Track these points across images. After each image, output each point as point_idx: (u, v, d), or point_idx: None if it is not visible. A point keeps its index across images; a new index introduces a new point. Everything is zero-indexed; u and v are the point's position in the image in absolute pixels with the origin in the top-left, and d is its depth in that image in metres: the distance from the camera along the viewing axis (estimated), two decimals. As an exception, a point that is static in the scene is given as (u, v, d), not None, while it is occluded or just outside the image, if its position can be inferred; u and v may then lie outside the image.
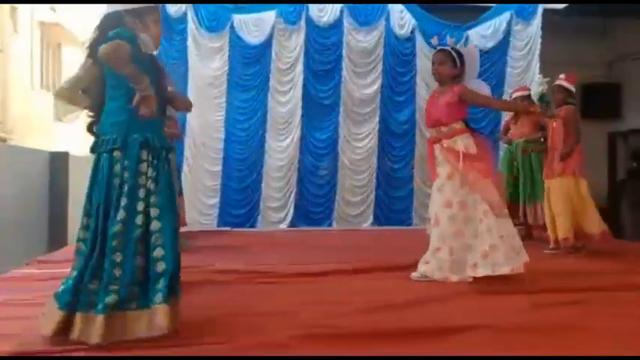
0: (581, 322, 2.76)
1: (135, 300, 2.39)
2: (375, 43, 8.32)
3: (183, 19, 7.94)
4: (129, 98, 2.47)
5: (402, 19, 8.42)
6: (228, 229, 7.66)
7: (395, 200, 8.45)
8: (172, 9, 7.78)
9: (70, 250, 5.49)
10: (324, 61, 8.27)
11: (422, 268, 3.85)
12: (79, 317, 2.34)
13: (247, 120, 8.17)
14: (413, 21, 8.40)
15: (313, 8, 8.20)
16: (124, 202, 2.40)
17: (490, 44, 8.34)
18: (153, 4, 2.58)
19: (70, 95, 3.74)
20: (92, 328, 2.31)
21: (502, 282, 3.67)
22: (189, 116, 7.83)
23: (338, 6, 8.24)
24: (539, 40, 8.37)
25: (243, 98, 8.15)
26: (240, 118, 8.16)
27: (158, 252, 2.42)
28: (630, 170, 9.94)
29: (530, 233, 6.09)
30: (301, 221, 8.18)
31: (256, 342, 2.43)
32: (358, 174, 8.33)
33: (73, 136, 8.16)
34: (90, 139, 2.67)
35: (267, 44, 8.14)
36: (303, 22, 8.17)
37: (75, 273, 2.43)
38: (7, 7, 9.82)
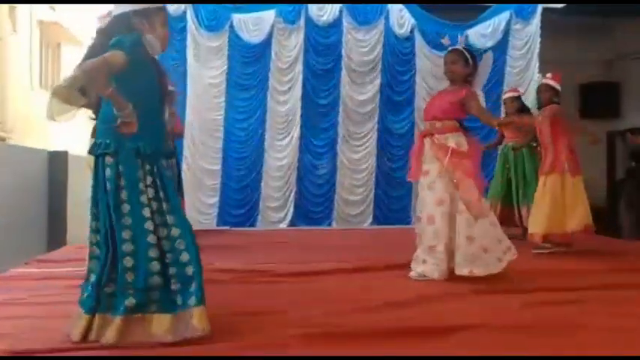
0: (578, 320, 2.77)
1: (156, 303, 2.40)
2: (375, 43, 8.32)
3: (182, 18, 7.93)
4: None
5: (401, 18, 8.41)
6: (227, 228, 7.66)
7: (394, 199, 8.46)
8: (172, 8, 7.77)
9: (70, 249, 5.52)
10: (323, 60, 8.27)
11: (419, 267, 3.85)
12: (97, 318, 2.38)
13: (247, 119, 8.17)
14: (412, 20, 8.40)
15: (312, 8, 8.19)
16: (126, 209, 2.41)
17: (489, 44, 8.34)
18: (159, 5, 2.58)
19: (66, 94, 3.75)
20: (109, 329, 2.35)
21: (502, 281, 3.68)
22: (189, 115, 7.83)
23: (337, 5, 8.24)
24: (539, 40, 8.38)
25: (243, 97, 8.15)
26: (239, 117, 8.15)
27: (184, 256, 2.43)
28: (629, 169, 9.94)
29: (526, 234, 6.09)
30: (301, 221, 8.18)
31: (256, 341, 2.44)
32: (357, 173, 8.34)
33: (73, 136, 8.16)
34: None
35: (267, 43, 8.13)
36: (302, 22, 8.17)
37: (94, 277, 2.45)
38: (5, 6, 9.81)
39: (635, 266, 4.37)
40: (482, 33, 8.45)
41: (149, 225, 2.41)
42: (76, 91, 3.76)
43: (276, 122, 8.17)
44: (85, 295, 2.45)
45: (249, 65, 8.14)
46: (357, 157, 8.34)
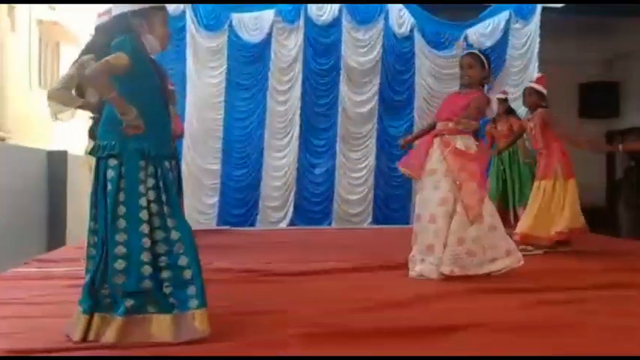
0: (578, 320, 2.77)
1: (154, 305, 2.40)
2: (374, 42, 8.32)
3: (181, 17, 7.93)
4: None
5: (400, 17, 8.41)
6: (227, 228, 7.66)
7: (393, 199, 8.46)
8: (171, 8, 7.77)
9: (69, 249, 5.52)
10: (322, 60, 8.27)
11: (417, 266, 3.86)
12: (96, 318, 2.39)
13: (246, 119, 8.17)
14: (412, 20, 8.39)
15: (312, 7, 8.19)
16: (122, 211, 2.39)
17: (489, 43, 8.34)
18: (159, 5, 2.58)
19: (60, 95, 3.76)
20: (109, 328, 2.35)
21: (501, 281, 3.68)
22: (188, 115, 7.83)
23: (337, 5, 8.23)
24: (538, 39, 8.38)
25: (242, 97, 8.15)
26: (239, 117, 8.15)
27: (182, 260, 2.42)
28: (627, 169, 9.96)
29: None
30: (300, 220, 8.19)
31: (256, 341, 2.44)
32: (357, 172, 8.34)
33: (72, 135, 8.16)
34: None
35: (266, 43, 8.13)
36: (301, 21, 8.17)
37: (87, 278, 2.46)
38: (4, 5, 9.80)
39: (634, 266, 4.37)
40: (482, 32, 8.45)
41: (144, 228, 2.40)
42: (71, 93, 3.77)
43: (276, 122, 8.17)
44: (83, 294, 2.45)
45: (248, 65, 8.14)
46: (356, 157, 8.34)
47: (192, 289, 2.41)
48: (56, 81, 3.64)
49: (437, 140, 3.94)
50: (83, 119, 3.97)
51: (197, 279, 2.42)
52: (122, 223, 2.39)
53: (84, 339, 2.36)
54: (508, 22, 8.48)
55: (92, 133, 3.59)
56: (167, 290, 2.42)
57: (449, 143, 3.85)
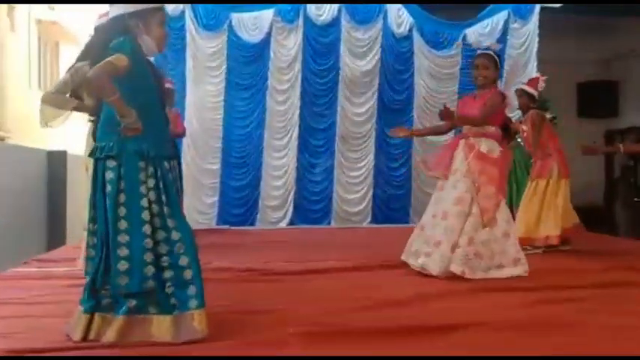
0: (578, 319, 2.78)
1: (155, 305, 2.41)
2: (373, 42, 8.32)
3: (181, 17, 7.93)
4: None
5: (399, 17, 8.41)
6: (227, 227, 7.67)
7: (393, 199, 8.47)
8: (170, 8, 7.77)
9: (69, 249, 5.51)
10: (322, 59, 8.27)
11: (421, 259, 3.89)
12: (97, 318, 2.39)
13: (246, 118, 8.17)
14: (410, 19, 8.40)
15: (311, 7, 8.19)
16: (122, 212, 2.40)
17: (487, 43, 8.33)
18: (156, 5, 2.58)
19: (55, 98, 3.76)
20: (109, 328, 2.36)
21: (500, 280, 3.69)
22: (188, 115, 7.83)
23: (336, 5, 8.23)
24: (537, 39, 8.38)
25: (242, 97, 8.14)
26: (238, 116, 8.15)
27: (183, 260, 2.43)
28: (624, 167, 9.96)
29: None
30: (300, 220, 8.19)
31: (256, 339, 2.44)
32: (355, 171, 8.35)
33: (71, 135, 8.15)
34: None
35: (266, 43, 8.13)
36: (301, 21, 8.17)
37: (87, 279, 2.47)
38: (4, 5, 9.79)
39: (633, 265, 4.38)
40: (481, 32, 8.46)
41: (146, 229, 2.40)
42: (66, 95, 3.77)
43: (275, 121, 8.18)
44: (84, 294, 2.46)
45: (247, 65, 8.14)
46: (355, 157, 8.35)
47: (192, 289, 2.42)
48: (51, 85, 3.64)
49: (462, 142, 4.01)
50: (82, 120, 3.96)
51: (197, 279, 2.43)
52: (124, 224, 2.39)
53: (84, 339, 2.36)
54: (507, 21, 8.48)
55: (95, 136, 3.61)
56: (169, 290, 2.42)
57: (473, 146, 3.91)
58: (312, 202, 8.31)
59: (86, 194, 2.72)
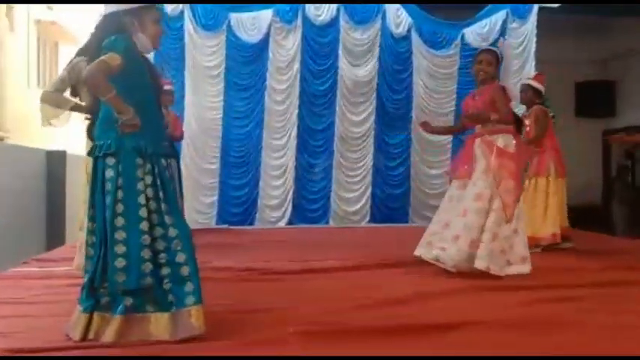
0: (577, 318, 2.79)
1: (152, 303, 2.42)
2: (372, 42, 8.32)
3: (180, 17, 7.92)
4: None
5: (398, 17, 8.41)
6: (226, 227, 7.67)
7: (391, 198, 8.47)
8: (169, 8, 7.77)
9: (68, 249, 5.52)
10: (320, 59, 8.28)
11: (435, 250, 3.92)
12: (96, 317, 2.40)
13: (244, 118, 8.17)
14: (409, 19, 8.39)
15: (310, 7, 8.18)
16: (120, 209, 2.40)
17: (486, 43, 8.34)
18: (150, 4, 2.59)
19: (54, 98, 3.76)
20: (108, 327, 2.37)
21: (500, 279, 3.70)
22: (187, 115, 7.83)
23: (334, 5, 8.23)
24: (535, 39, 8.39)
25: (240, 97, 8.13)
26: (237, 116, 8.15)
27: (180, 257, 2.44)
28: (620, 167, 9.97)
29: None
30: (299, 219, 8.19)
31: (256, 338, 2.45)
32: (354, 171, 8.35)
33: (71, 135, 8.16)
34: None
35: (264, 43, 8.12)
36: (299, 21, 8.17)
37: (86, 278, 2.48)
38: (3, 5, 9.80)
39: (631, 264, 4.40)
40: (479, 32, 8.46)
41: (144, 225, 2.41)
42: (64, 94, 3.77)
43: (274, 121, 8.17)
44: (83, 294, 2.46)
45: (246, 65, 8.13)
46: (354, 156, 8.35)
47: (189, 286, 2.42)
48: (49, 84, 3.64)
49: (477, 141, 4.04)
50: (82, 119, 3.97)
51: (194, 276, 2.44)
52: (121, 220, 2.40)
53: (84, 338, 2.37)
54: (505, 21, 8.47)
55: (90, 134, 3.60)
56: (167, 287, 2.43)
57: (491, 143, 3.93)
58: (310, 202, 8.31)
59: (84, 194, 2.72)
